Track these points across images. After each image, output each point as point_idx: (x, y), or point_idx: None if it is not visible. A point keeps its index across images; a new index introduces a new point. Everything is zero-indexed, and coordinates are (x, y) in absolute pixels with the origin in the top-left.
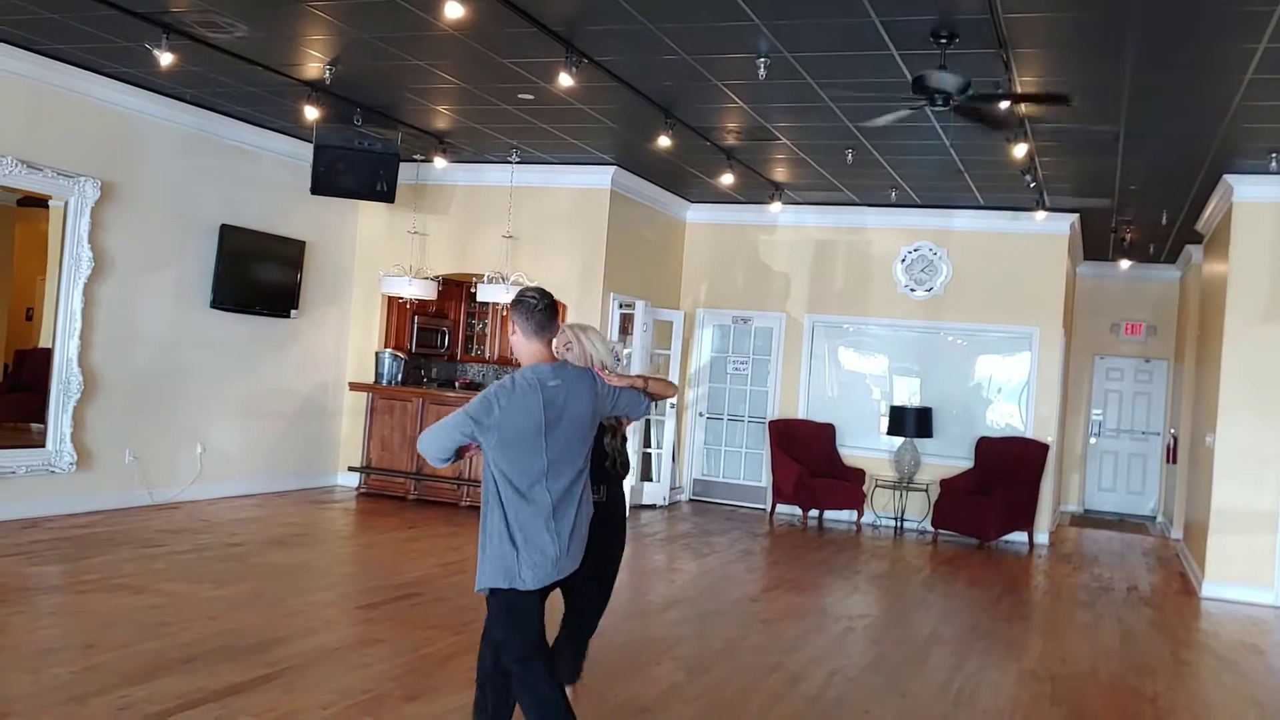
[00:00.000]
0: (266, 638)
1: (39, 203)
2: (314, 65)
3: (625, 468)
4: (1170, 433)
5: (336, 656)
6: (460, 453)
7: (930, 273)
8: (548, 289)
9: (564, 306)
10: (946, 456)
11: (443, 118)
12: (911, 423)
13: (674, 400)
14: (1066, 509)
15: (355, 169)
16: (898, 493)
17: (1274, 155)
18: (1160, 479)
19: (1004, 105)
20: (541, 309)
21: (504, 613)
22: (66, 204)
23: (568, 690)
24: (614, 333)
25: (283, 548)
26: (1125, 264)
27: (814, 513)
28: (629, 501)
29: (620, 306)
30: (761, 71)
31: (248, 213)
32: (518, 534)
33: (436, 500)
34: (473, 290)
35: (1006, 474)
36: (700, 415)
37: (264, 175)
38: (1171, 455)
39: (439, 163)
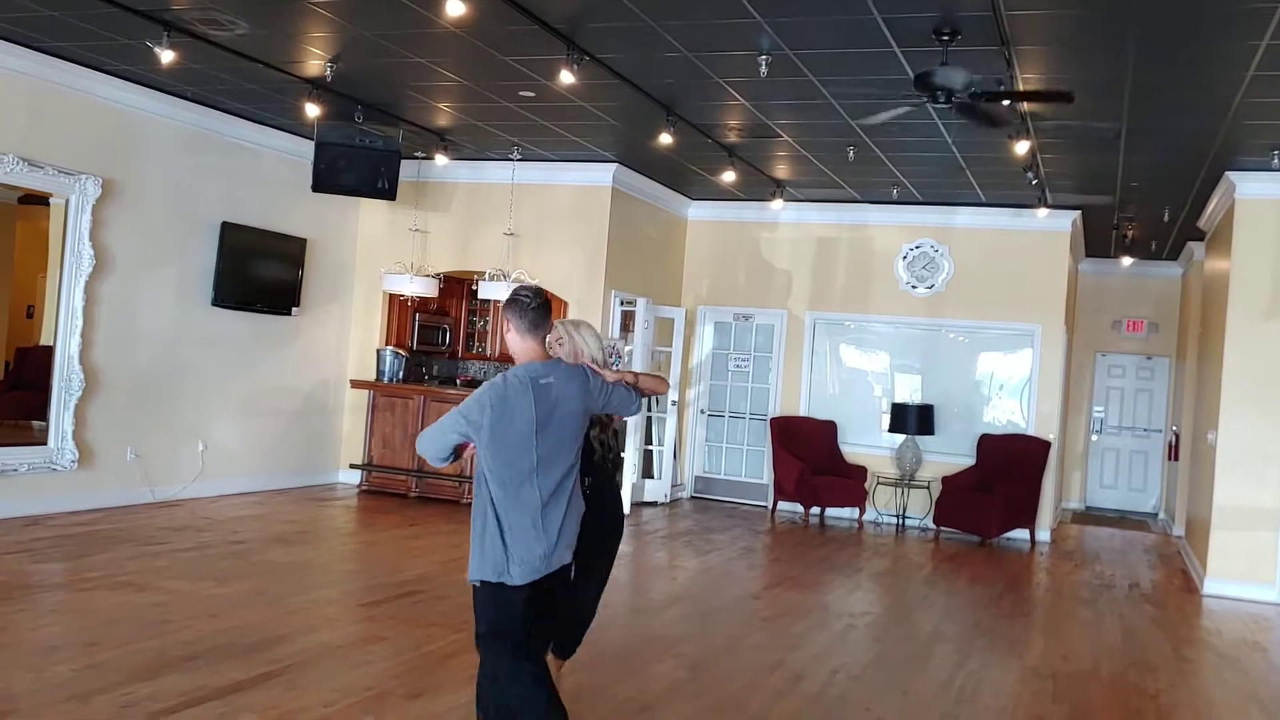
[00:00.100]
0: (268, 635)
1: (40, 200)
2: (315, 62)
3: (618, 463)
4: (1172, 430)
5: (339, 654)
6: (459, 451)
7: (932, 270)
8: (549, 287)
9: (565, 304)
10: (948, 454)
11: (444, 115)
12: (913, 420)
13: (674, 398)
14: (1068, 506)
15: (356, 166)
16: (899, 490)
17: (1276, 152)
18: (1162, 476)
19: (1006, 104)
20: (535, 307)
21: (489, 603)
22: (68, 201)
23: (560, 664)
24: (615, 330)
25: (284, 545)
26: (1127, 261)
27: (815, 510)
28: (630, 498)
29: (621, 304)
30: (763, 69)
31: (249, 210)
32: (507, 530)
33: (438, 498)
34: (474, 288)
35: (1008, 471)
36: (702, 412)
37: (265, 172)
38: (1173, 452)
39: (440, 160)
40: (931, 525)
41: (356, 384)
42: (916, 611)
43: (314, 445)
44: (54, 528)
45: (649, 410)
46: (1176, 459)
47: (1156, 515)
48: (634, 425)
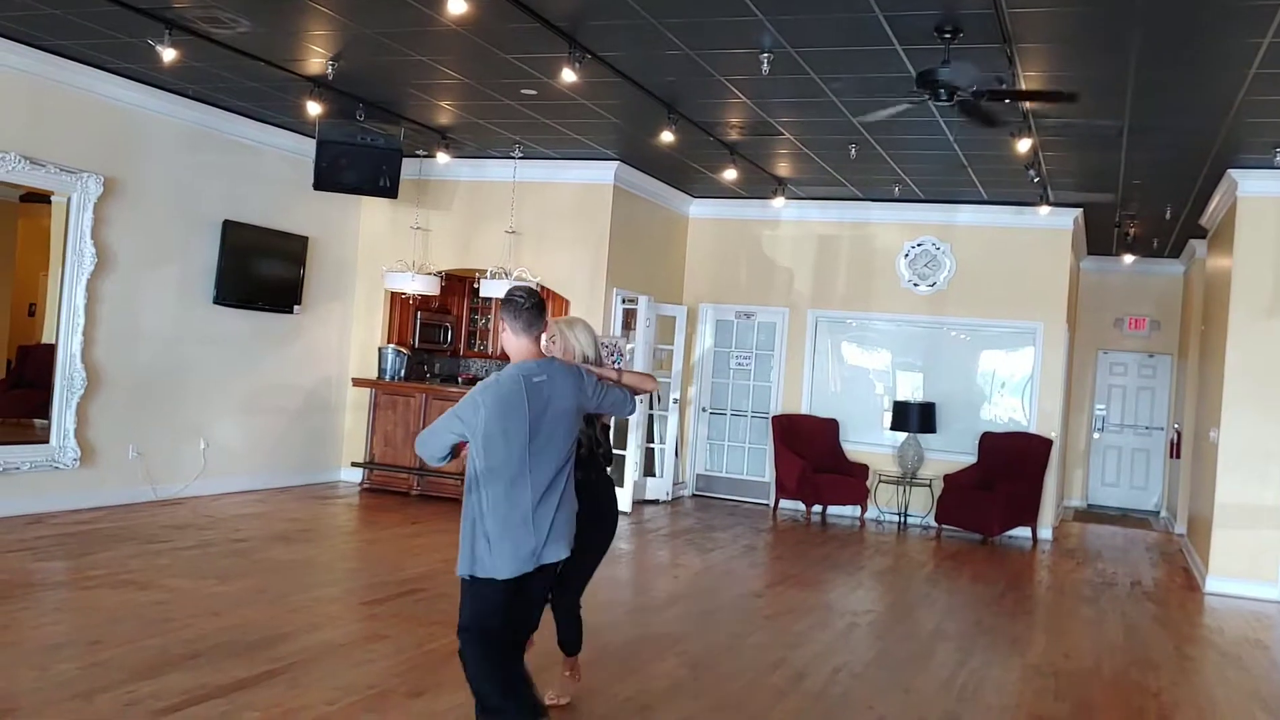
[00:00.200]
0: (271, 633)
1: (41, 198)
2: (316, 61)
3: (608, 458)
4: (1174, 427)
5: (341, 652)
6: (456, 450)
7: (934, 268)
8: (550, 285)
9: (567, 302)
10: (950, 452)
11: (445, 113)
12: (915, 418)
13: (676, 396)
14: (1070, 504)
15: (358, 164)
16: (901, 488)
17: (1278, 150)
18: (1163, 474)
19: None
20: (529, 307)
21: (474, 597)
22: (69, 200)
23: (571, 662)
24: (617, 328)
25: (286, 543)
26: (1129, 259)
27: (817, 508)
28: (632, 496)
29: (623, 302)
30: (765, 67)
31: (250, 208)
32: (493, 527)
33: (440, 496)
34: (476, 285)
35: (1010, 469)
36: (703, 410)
37: (267, 171)
38: (1175, 450)
39: (442, 158)
40: (933, 523)
41: (358, 382)
42: (918, 610)
43: (316, 443)
44: (56, 526)
45: (650, 408)
46: (1178, 457)
47: (1158, 513)
48: (635, 423)
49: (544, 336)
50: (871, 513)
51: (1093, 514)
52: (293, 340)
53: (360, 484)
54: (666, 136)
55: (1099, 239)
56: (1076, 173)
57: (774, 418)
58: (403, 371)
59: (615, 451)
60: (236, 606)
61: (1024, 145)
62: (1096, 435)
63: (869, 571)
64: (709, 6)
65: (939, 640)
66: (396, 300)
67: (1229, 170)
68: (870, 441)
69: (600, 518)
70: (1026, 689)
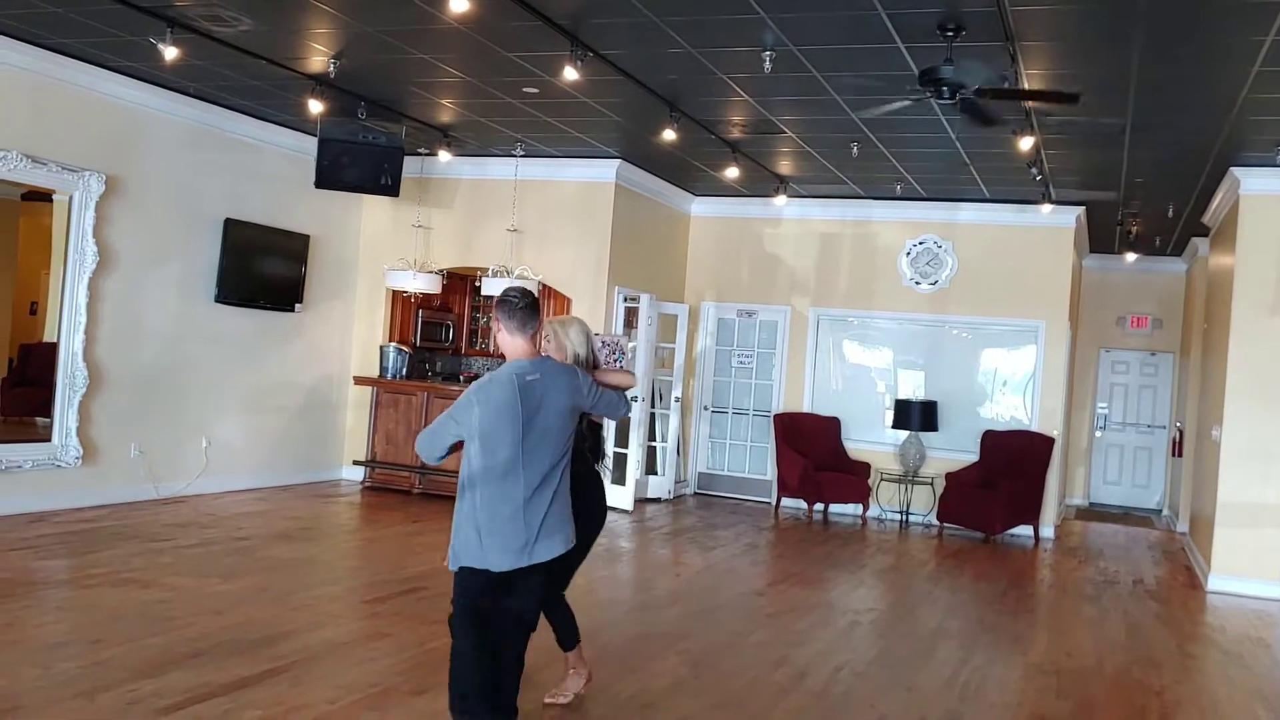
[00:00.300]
0: (273, 632)
1: (43, 197)
2: (318, 59)
3: (595, 453)
4: (1176, 426)
5: (343, 651)
6: (455, 448)
7: (936, 266)
8: (552, 283)
9: (569, 300)
10: (952, 450)
11: (447, 111)
12: (917, 416)
13: (678, 394)
14: (1072, 502)
15: (359, 163)
16: (903, 486)
17: None
18: (1165, 472)
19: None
20: (522, 307)
21: (461, 582)
22: (71, 198)
23: (572, 657)
24: (619, 326)
25: (288, 542)
26: (1131, 257)
27: (819, 506)
28: (633, 494)
29: (625, 300)
30: (767, 65)
31: (252, 207)
32: (485, 522)
33: (441, 494)
34: (477, 284)
35: (1012, 467)
36: (705, 408)
37: (268, 169)
38: (1177, 448)
39: (443, 156)
40: (935, 522)
41: (360, 380)
42: (920, 608)
43: (317, 442)
44: (58, 524)
45: (652, 407)
46: (1180, 455)
47: (1160, 511)
48: (637, 421)
49: (539, 337)
50: (873, 511)
51: (1095, 512)
52: (294, 339)
53: (362, 482)
54: (668, 135)
55: (1101, 237)
56: (1078, 171)
57: (776, 416)
58: (404, 370)
59: (617, 450)
60: (238, 605)
61: (1026, 143)
62: (1098, 433)
63: (871, 570)
64: (711, 4)
65: (941, 638)
66: (398, 298)
67: (1231, 168)
68: (872, 440)
69: (586, 513)
70: (1029, 687)
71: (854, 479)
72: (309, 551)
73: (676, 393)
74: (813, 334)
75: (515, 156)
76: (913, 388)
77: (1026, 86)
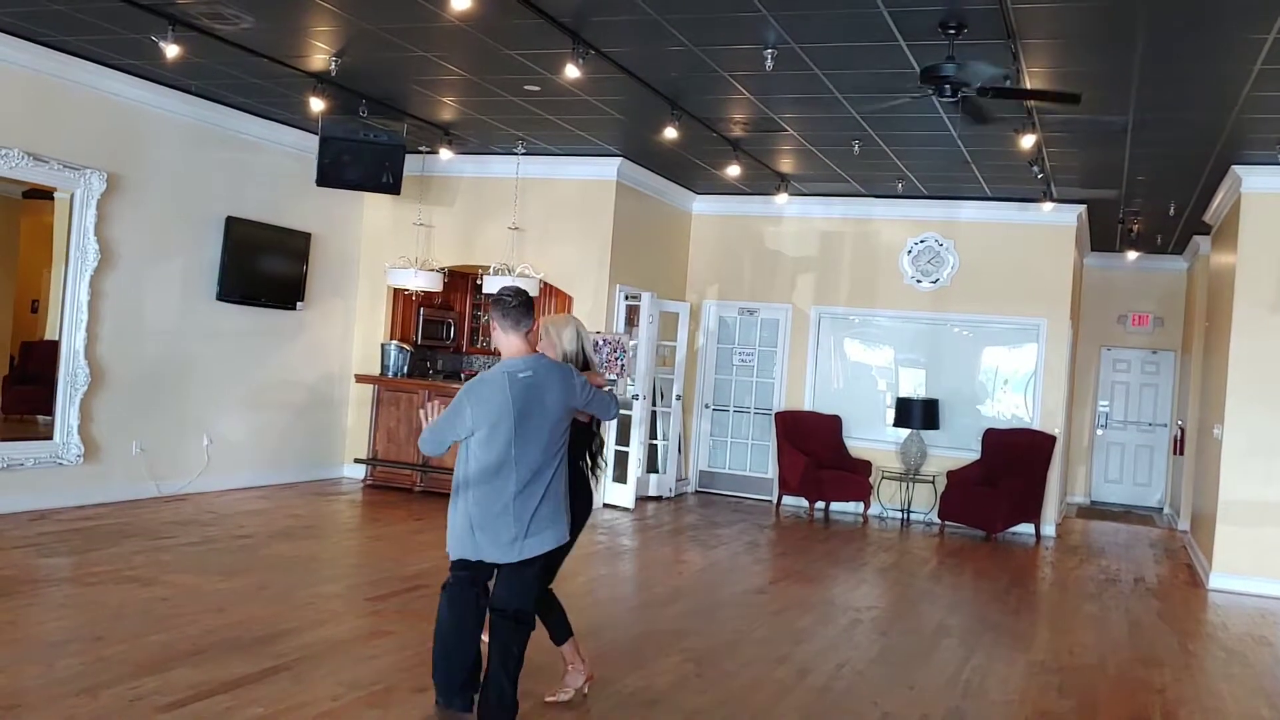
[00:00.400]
0: (275, 629)
1: (44, 195)
2: (319, 57)
3: (580, 450)
4: (1177, 424)
5: (345, 648)
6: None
7: (937, 264)
8: (554, 281)
9: (570, 299)
10: (953, 448)
11: (448, 109)
12: (918, 414)
13: (679, 392)
14: (1073, 501)
15: (361, 161)
16: (904, 484)
17: None
18: (1167, 470)
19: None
20: (515, 306)
21: (453, 572)
22: (72, 196)
23: (564, 648)
24: (620, 324)
25: (290, 540)
26: (1132, 255)
27: (820, 504)
28: (635, 492)
29: (626, 298)
30: (769, 63)
31: (253, 205)
32: (477, 515)
33: (443, 492)
34: (478, 282)
35: (1013, 466)
36: (706, 407)
37: (269, 167)
38: (1178, 447)
39: (444, 154)
40: (936, 520)
41: (361, 378)
42: (922, 606)
43: (319, 440)
44: (60, 522)
45: (653, 405)
46: (1181, 453)
47: (1161, 510)
48: (638, 419)
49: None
50: (874, 509)
51: (1096, 510)
52: (296, 336)
53: (363, 480)
54: (670, 133)
55: (1102, 235)
56: (1080, 169)
57: (777, 414)
58: (405, 368)
59: (619, 448)
60: (240, 602)
61: (1028, 141)
62: (1100, 432)
63: (872, 568)
64: (713, 2)
65: (942, 636)
66: (399, 296)
67: (1233, 166)
68: (873, 438)
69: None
70: (1030, 685)
71: (855, 477)
72: (310, 549)
73: (678, 391)
74: (814, 332)
75: (516, 154)
76: (914, 386)
77: (1028, 84)
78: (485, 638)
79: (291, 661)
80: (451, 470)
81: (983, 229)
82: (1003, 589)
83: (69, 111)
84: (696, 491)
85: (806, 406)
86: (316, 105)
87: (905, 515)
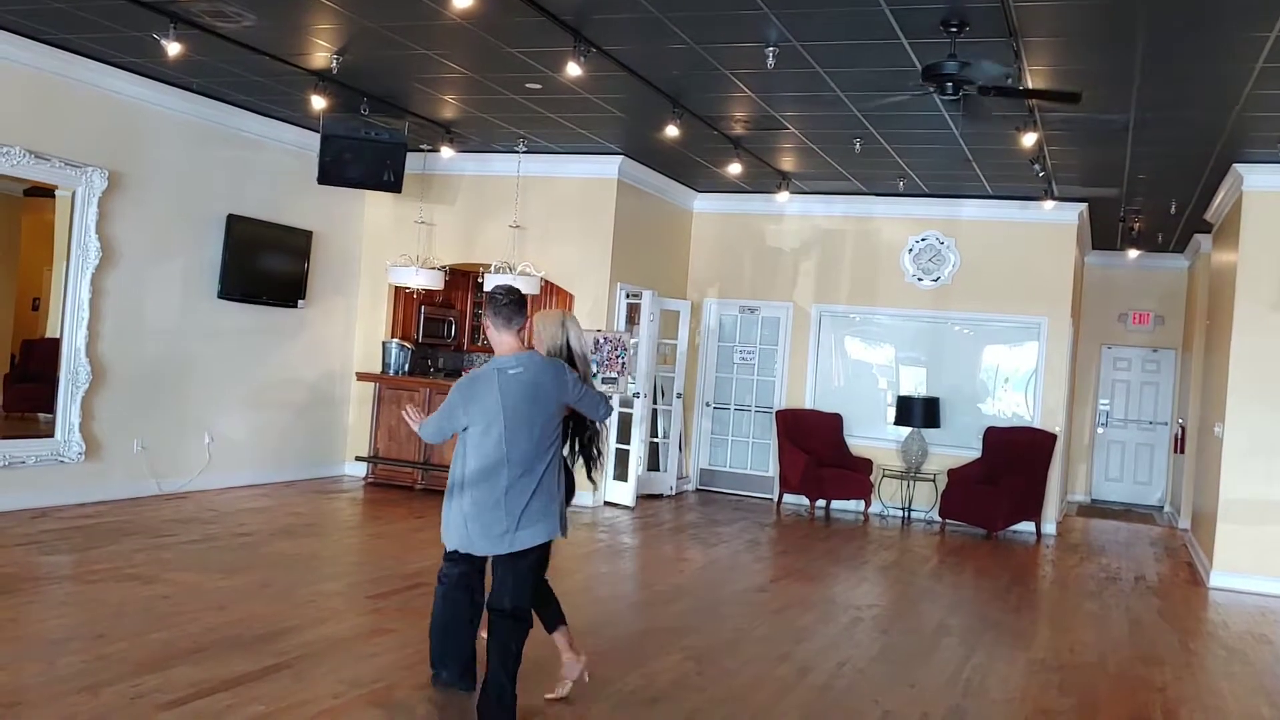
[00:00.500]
0: (276, 627)
1: (45, 192)
2: (321, 55)
3: (587, 454)
4: (1178, 422)
5: (346, 646)
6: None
7: (938, 262)
8: (555, 279)
9: (571, 296)
10: (954, 446)
11: (450, 107)
12: (919, 413)
13: (680, 390)
14: (1073, 499)
15: (362, 159)
16: (905, 483)
17: None
18: (1167, 469)
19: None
20: (507, 304)
21: (446, 564)
22: (74, 194)
23: (556, 635)
24: (621, 322)
25: (291, 537)
26: (1133, 253)
27: (821, 502)
28: (636, 491)
29: (627, 296)
30: (770, 61)
31: (254, 203)
32: (469, 509)
33: (444, 489)
34: (480, 280)
35: (1014, 464)
36: (707, 405)
37: (271, 165)
38: (1179, 445)
39: (446, 152)
40: (937, 518)
41: (362, 376)
42: (922, 604)
43: (320, 438)
44: (61, 520)
45: (654, 403)
46: (1182, 452)
47: (1162, 508)
48: (639, 417)
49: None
50: (875, 507)
51: (1096, 509)
52: (297, 335)
53: (364, 478)
54: (671, 131)
55: (1103, 233)
56: (1081, 167)
57: (778, 412)
58: (406, 366)
59: (619, 446)
60: (241, 600)
61: (1029, 139)
62: (1100, 430)
63: (873, 566)
64: (714, 0)
65: (943, 635)
66: (400, 295)
67: (1234, 164)
68: (874, 436)
69: None
70: (1031, 683)
71: (856, 475)
72: (312, 547)
73: (678, 389)
74: (815, 330)
75: (518, 153)
76: (915, 384)
77: (1030, 82)
78: (484, 634)
79: (293, 659)
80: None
81: (984, 227)
82: (1003, 587)
83: (70, 109)
84: (697, 490)
85: (807, 405)
86: (318, 103)
87: (906, 513)
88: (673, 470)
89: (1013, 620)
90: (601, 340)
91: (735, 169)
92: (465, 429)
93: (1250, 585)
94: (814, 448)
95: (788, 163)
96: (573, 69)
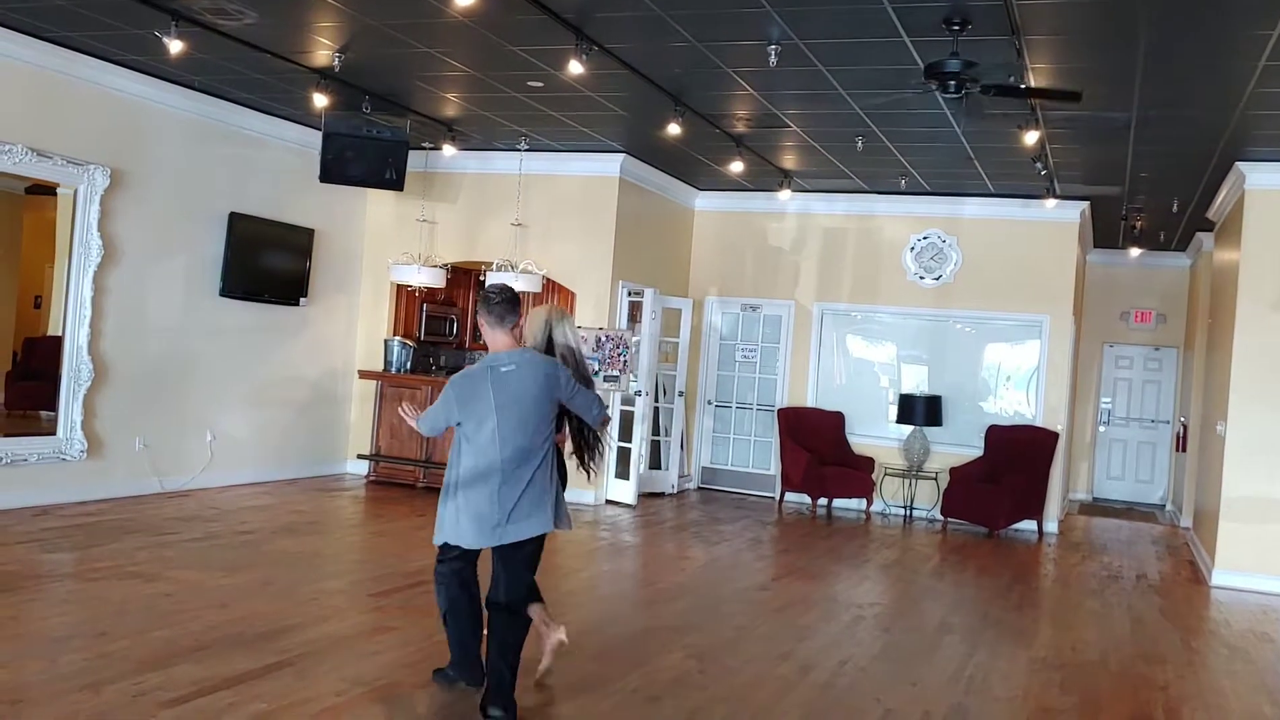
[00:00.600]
0: (278, 625)
1: (46, 190)
2: (323, 52)
3: (584, 450)
4: (1180, 421)
5: (348, 644)
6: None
7: (940, 260)
8: (556, 277)
9: (572, 294)
10: (956, 445)
11: (452, 105)
12: (920, 411)
13: (682, 388)
14: (1075, 497)
15: (364, 157)
16: (907, 481)
17: None
18: (1169, 467)
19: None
20: (499, 302)
21: (439, 558)
22: (76, 192)
23: (533, 607)
24: (623, 321)
25: (293, 535)
26: (1135, 252)
27: (823, 501)
28: (637, 489)
29: (629, 294)
30: (772, 59)
31: (256, 200)
32: (462, 499)
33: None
34: (481, 278)
35: (1016, 462)
36: (709, 403)
37: (273, 163)
38: (1180, 443)
39: (448, 150)
40: (939, 516)
41: (364, 374)
42: (924, 602)
43: (322, 436)
44: (63, 518)
45: (656, 401)
46: (1184, 450)
47: (1164, 506)
48: (640, 416)
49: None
50: (877, 506)
51: (1098, 507)
52: (299, 332)
53: (366, 476)
54: (673, 129)
55: (1105, 232)
56: (1083, 165)
57: (779, 411)
58: (408, 364)
59: (620, 444)
60: (243, 598)
61: (1031, 138)
62: (1102, 428)
63: (875, 564)
64: None
65: (945, 633)
66: (402, 293)
67: (1237, 163)
68: (876, 434)
69: None
70: (1033, 682)
71: (858, 474)
72: (314, 545)
73: (680, 387)
74: (816, 329)
75: (520, 151)
76: (916, 382)
77: (1032, 80)
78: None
79: (295, 657)
80: None
81: (986, 225)
82: (1005, 585)
83: (72, 107)
84: (699, 488)
85: (809, 403)
86: (320, 101)
87: (908, 512)
88: (674, 468)
89: (1014, 618)
90: (603, 338)
91: (737, 167)
92: (459, 424)
93: (1252, 584)
94: (816, 446)
95: (789, 161)
96: (575, 67)
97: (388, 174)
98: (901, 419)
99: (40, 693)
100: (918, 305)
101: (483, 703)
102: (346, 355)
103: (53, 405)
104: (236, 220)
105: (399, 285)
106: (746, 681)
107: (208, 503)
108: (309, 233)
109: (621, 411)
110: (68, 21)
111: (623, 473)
